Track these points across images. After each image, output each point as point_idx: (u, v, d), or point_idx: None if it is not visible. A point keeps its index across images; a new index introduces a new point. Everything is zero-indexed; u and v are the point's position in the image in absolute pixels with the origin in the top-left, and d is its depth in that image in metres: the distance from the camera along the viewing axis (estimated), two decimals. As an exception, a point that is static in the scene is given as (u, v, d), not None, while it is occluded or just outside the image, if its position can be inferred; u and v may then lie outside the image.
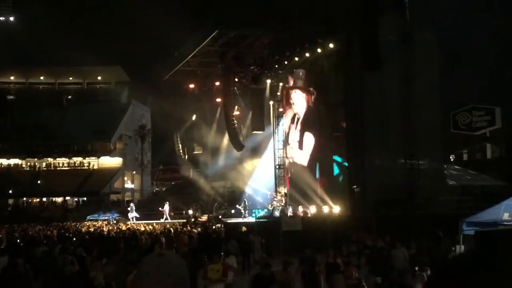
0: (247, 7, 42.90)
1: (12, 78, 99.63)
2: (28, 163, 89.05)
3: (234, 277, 16.52)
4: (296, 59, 41.15)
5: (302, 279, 14.53)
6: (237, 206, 45.58)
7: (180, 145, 66.39)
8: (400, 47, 32.39)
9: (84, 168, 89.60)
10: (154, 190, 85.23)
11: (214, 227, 37.20)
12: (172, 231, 32.17)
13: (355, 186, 34.14)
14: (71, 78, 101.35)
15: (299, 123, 42.44)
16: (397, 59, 32.23)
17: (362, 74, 33.33)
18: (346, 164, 36.83)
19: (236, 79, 48.72)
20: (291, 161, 43.95)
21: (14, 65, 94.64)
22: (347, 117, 36.58)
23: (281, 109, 45.14)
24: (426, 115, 34.02)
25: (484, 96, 52.54)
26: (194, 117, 59.11)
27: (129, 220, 50.45)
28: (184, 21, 54.41)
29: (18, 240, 27.96)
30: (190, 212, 50.17)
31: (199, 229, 35.47)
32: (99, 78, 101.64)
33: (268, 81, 45.62)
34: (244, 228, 31.10)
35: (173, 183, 75.17)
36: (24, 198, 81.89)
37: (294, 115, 43.15)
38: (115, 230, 36.49)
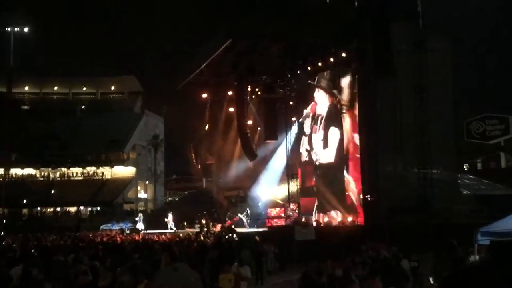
0: (260, 16, 42.97)
1: (26, 88, 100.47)
2: (42, 173, 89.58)
3: None
4: (309, 68, 41.15)
5: None
6: (239, 215, 45.67)
7: (193, 155, 66.47)
8: (413, 55, 32.33)
9: (97, 178, 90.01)
10: (168, 200, 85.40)
11: (227, 236, 37.18)
12: (186, 241, 32.14)
13: (368, 196, 34.01)
14: (84, 88, 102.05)
15: (322, 122, 40.93)
16: (410, 68, 32.15)
17: (375, 83, 33.26)
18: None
19: (249, 88, 48.77)
20: (317, 164, 41.71)
21: (28, 76, 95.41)
22: (360, 125, 36.42)
23: (306, 110, 43.24)
24: (440, 123, 33.88)
25: (498, 104, 52.26)
26: (207, 127, 59.15)
27: (139, 230, 50.74)
28: (197, 31, 54.76)
29: (33, 250, 28.04)
30: (203, 221, 50.21)
31: (211, 238, 35.46)
32: (112, 88, 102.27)
33: (281, 90, 45.62)
34: (257, 238, 31.06)
35: (186, 192, 75.28)
36: (38, 208, 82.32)
37: (317, 116, 41.62)
38: (128, 240, 36.52)
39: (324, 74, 41.08)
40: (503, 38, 54.35)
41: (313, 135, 42.25)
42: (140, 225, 52.35)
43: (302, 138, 43.85)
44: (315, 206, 40.71)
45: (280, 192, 47.97)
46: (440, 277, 13.48)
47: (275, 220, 42.87)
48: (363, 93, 35.90)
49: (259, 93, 49.24)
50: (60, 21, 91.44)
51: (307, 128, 43.21)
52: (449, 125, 37.00)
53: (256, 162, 50.83)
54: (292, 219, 40.87)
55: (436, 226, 27.09)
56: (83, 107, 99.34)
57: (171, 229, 48.90)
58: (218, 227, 45.45)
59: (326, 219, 38.53)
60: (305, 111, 43.08)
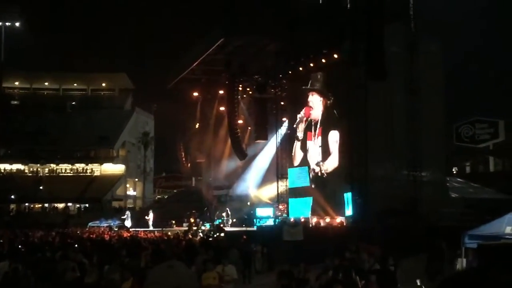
0: (253, 16, 42.96)
1: (16, 83, 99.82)
2: (31, 169, 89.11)
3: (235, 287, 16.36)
4: (301, 69, 41.12)
5: None
6: (223, 214, 45.62)
7: (183, 153, 66.36)
8: (405, 57, 32.41)
9: (86, 174, 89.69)
10: (156, 198, 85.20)
11: (215, 235, 37.12)
12: (175, 240, 32.05)
13: (356, 197, 33.98)
14: (75, 84, 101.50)
15: (318, 127, 40.02)
16: (402, 70, 32.24)
17: (366, 85, 33.27)
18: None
19: (240, 88, 48.75)
20: (319, 174, 39.91)
21: (18, 71, 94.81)
22: (351, 127, 36.37)
23: (299, 115, 41.80)
24: (430, 126, 33.99)
25: (488, 108, 52.42)
26: (197, 125, 59.08)
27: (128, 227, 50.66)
28: (190, 29, 54.72)
29: (20, 246, 27.87)
30: (192, 220, 50.12)
31: (200, 236, 35.41)
32: (103, 84, 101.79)
33: (272, 91, 45.61)
34: (244, 237, 30.96)
35: (175, 190, 75.15)
36: (26, 204, 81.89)
37: (312, 121, 40.67)
38: (116, 237, 36.41)
39: (318, 77, 40.71)
40: (495, 42, 54.44)
41: (308, 142, 41.00)
42: (127, 223, 52.30)
43: (295, 143, 42.63)
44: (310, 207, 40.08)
45: (269, 192, 47.95)
46: (428, 279, 13.49)
47: (263, 219, 42.79)
48: (354, 94, 35.87)
49: (250, 92, 49.27)
50: (51, 16, 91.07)
51: (300, 133, 41.98)
52: (440, 128, 37.11)
53: (246, 162, 50.83)
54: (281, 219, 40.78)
55: (424, 229, 27.13)
56: (73, 103, 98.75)
57: (150, 227, 49.13)
58: (207, 226, 45.39)
59: (314, 219, 38.40)
60: (298, 116, 41.74)
